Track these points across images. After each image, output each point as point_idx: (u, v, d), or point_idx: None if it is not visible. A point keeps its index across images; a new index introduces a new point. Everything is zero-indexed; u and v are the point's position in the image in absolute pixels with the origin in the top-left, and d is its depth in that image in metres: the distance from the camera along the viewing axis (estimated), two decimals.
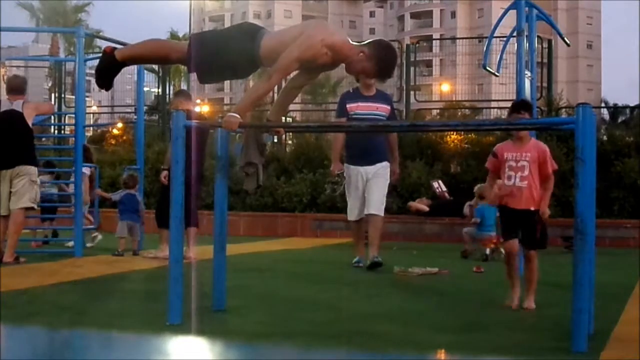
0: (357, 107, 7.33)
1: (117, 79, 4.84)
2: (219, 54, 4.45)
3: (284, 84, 4.95)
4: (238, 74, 4.89)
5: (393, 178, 7.62)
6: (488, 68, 8.53)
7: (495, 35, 8.59)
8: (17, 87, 7.67)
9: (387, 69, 4.61)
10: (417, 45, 16.88)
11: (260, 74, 4.64)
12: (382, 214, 7.44)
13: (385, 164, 7.48)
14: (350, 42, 4.50)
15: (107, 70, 4.59)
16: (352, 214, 7.61)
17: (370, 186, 7.38)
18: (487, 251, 8.63)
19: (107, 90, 4.88)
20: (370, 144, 7.39)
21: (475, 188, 9.55)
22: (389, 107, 7.50)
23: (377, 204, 7.38)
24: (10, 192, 7.40)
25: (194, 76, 4.72)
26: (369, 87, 7.45)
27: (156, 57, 4.95)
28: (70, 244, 8.73)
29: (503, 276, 5.24)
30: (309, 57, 4.35)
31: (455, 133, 12.35)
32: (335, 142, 7.70)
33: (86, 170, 9.93)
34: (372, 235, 7.38)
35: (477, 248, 8.90)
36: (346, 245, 10.38)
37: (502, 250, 8.60)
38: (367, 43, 4.56)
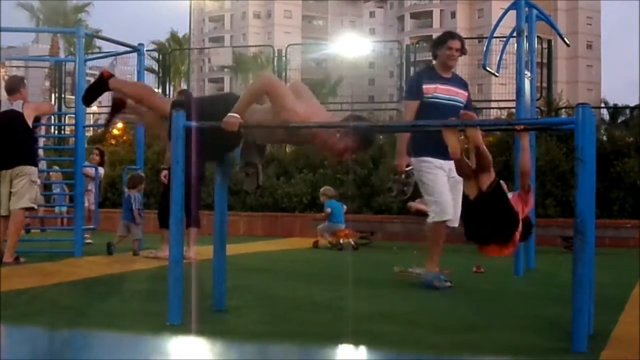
0: (435, 90, 6.27)
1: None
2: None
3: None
4: (223, 148, 4.70)
5: None
6: (488, 68, 8.53)
7: (495, 35, 8.59)
8: (10, 87, 7.66)
9: (367, 138, 4.41)
10: (417, 45, 16.91)
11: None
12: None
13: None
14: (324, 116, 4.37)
15: (96, 90, 4.88)
16: (448, 213, 6.13)
17: (456, 191, 5.99)
18: (341, 240, 10.01)
19: (87, 106, 5.16)
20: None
21: (322, 189, 10.99)
22: (467, 94, 6.47)
23: (457, 216, 6.11)
24: (10, 192, 7.41)
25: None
26: (448, 69, 6.40)
27: (140, 102, 4.95)
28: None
29: (503, 276, 5.23)
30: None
31: None
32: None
33: (101, 171, 10.36)
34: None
35: (332, 239, 10.25)
36: (346, 245, 10.39)
37: (351, 240, 10.04)
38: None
